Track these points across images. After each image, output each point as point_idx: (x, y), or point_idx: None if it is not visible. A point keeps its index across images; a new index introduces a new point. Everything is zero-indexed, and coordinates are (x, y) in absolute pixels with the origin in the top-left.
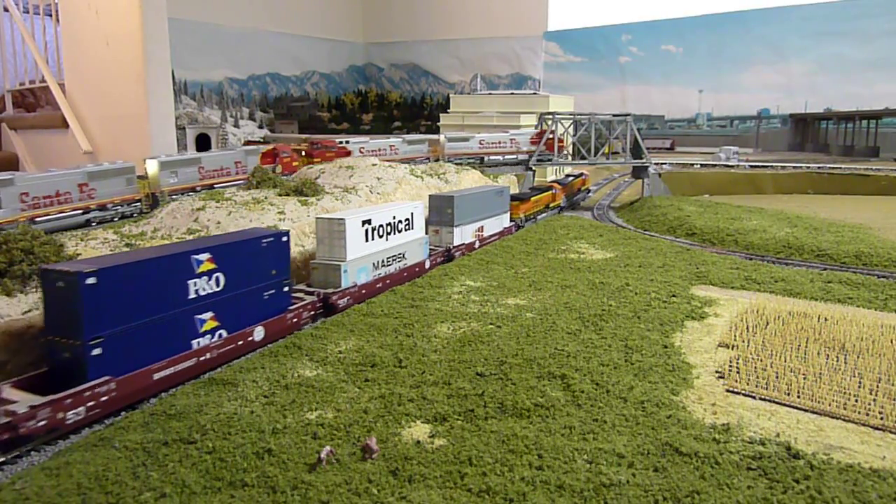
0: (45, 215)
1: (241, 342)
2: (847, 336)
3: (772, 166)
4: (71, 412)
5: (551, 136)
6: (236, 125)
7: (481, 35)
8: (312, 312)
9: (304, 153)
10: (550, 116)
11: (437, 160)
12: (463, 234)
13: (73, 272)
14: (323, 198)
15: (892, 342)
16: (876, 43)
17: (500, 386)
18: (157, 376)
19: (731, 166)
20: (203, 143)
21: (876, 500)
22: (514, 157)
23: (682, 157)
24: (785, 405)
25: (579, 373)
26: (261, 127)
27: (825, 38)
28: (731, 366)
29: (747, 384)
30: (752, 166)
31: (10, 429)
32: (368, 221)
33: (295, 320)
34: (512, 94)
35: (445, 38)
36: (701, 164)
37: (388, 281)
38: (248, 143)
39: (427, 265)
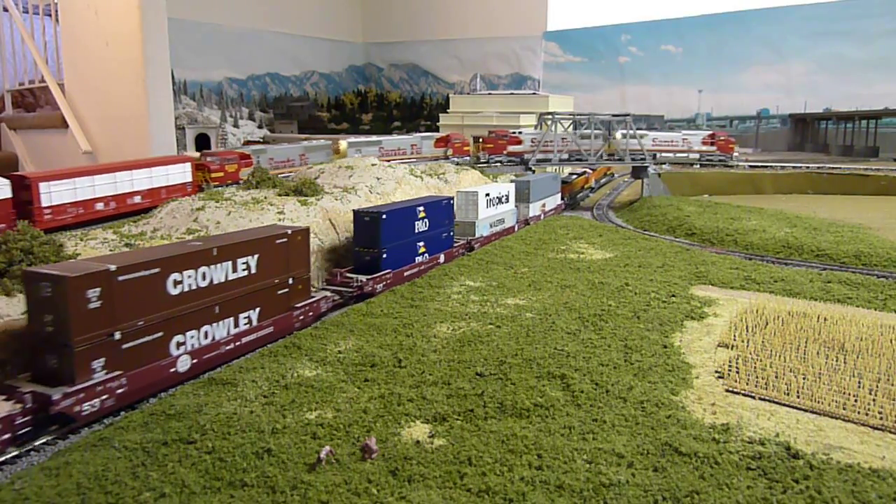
0: (281, 172)
1: (434, 263)
2: (847, 336)
3: (771, 166)
4: (378, 285)
5: (723, 139)
6: (236, 125)
7: (481, 35)
8: (463, 251)
9: (480, 140)
10: (550, 116)
11: (611, 155)
12: (534, 209)
13: (377, 212)
14: (322, 198)
15: (891, 342)
16: (876, 43)
17: (499, 386)
18: (405, 274)
19: (731, 166)
20: (202, 142)
21: (876, 500)
22: (686, 155)
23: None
24: (784, 405)
25: (579, 373)
26: (260, 127)
27: (825, 38)
28: (730, 366)
29: (747, 384)
30: (751, 166)
31: (359, 288)
32: (488, 194)
33: (457, 253)
34: (511, 94)
35: (445, 38)
36: (701, 165)
37: (496, 236)
38: (247, 142)
39: (515, 229)
